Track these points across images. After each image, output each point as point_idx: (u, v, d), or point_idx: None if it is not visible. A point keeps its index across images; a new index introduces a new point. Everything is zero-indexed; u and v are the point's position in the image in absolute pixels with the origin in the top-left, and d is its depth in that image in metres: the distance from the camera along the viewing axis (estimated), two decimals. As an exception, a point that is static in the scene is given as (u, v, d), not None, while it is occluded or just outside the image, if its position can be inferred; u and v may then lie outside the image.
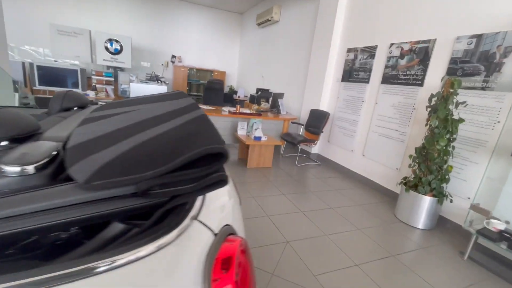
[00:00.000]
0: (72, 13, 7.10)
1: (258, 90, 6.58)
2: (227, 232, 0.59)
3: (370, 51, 3.67)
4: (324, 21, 4.42)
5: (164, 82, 7.83)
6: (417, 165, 2.65)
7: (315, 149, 4.67)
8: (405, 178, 2.80)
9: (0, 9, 2.95)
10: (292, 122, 4.87)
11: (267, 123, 4.56)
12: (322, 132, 4.22)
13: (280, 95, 5.28)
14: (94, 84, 6.77)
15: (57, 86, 5.92)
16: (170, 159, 0.54)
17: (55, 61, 6.86)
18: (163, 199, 0.55)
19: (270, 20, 6.48)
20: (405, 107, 3.16)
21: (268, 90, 6.20)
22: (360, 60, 3.86)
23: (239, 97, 7.89)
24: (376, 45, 3.58)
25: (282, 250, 1.99)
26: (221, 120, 4.27)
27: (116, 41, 6.81)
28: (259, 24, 7.14)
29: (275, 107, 5.07)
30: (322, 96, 4.51)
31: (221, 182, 0.59)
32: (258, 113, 4.34)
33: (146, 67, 8.16)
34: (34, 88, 5.89)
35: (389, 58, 3.38)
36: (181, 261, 0.47)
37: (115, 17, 7.51)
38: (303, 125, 4.59)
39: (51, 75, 5.93)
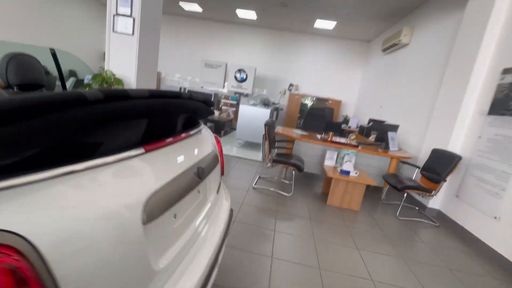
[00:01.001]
0: (216, 50, 9.00)
1: (370, 120, 5.74)
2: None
3: (546, 70, 2.37)
4: (468, 36, 3.33)
5: (275, 107, 8.30)
6: None
7: (434, 202, 3.42)
8: None
9: (156, 49, 4.10)
10: (402, 162, 3.83)
11: (366, 157, 3.81)
12: (445, 181, 3.03)
13: (393, 127, 4.33)
14: (221, 106, 8.13)
15: (197, 105, 7.47)
16: None
17: (201, 87, 8.78)
18: None
19: (397, 44, 5.64)
20: None
21: (382, 121, 5.27)
22: (524, 84, 2.57)
23: (349, 127, 7.20)
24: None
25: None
26: (310, 147, 3.94)
27: (243, 71, 7.95)
28: (384, 50, 6.37)
29: (383, 141, 4.19)
30: (453, 133, 3.31)
31: None
32: (355, 145, 3.70)
33: (264, 93, 9.00)
34: (184, 106, 7.67)
35: None
36: None
37: (246, 50, 8.87)
38: (418, 167, 3.50)
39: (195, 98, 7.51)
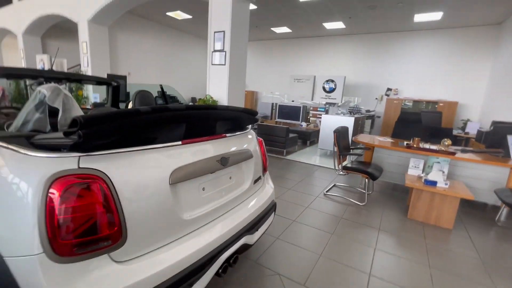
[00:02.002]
0: (305, 65, 9.34)
1: (493, 123, 4.54)
2: None
3: None
4: None
5: (370, 115, 7.76)
6: None
7: None
8: None
9: (243, 74, 4.88)
10: (531, 174, 2.90)
11: (475, 168, 3.12)
12: None
13: (519, 130, 3.34)
14: (309, 117, 8.33)
15: (287, 119, 8.05)
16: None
17: (292, 101, 9.33)
18: None
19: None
20: None
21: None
22: None
23: (467, 133, 5.86)
24: None
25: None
26: (395, 156, 3.59)
27: (332, 81, 7.92)
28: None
29: (501, 147, 3.29)
30: None
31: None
32: (450, 152, 3.12)
33: (355, 101, 8.54)
34: (276, 120, 8.41)
35: None
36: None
37: (334, 60, 8.76)
38: (557, 182, 2.59)
39: (285, 111, 8.13)
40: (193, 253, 1.13)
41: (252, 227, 1.53)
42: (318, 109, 8.31)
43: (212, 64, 4.61)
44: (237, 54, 4.55)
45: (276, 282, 1.74)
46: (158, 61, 9.83)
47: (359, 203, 3.21)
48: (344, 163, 3.41)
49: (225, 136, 1.50)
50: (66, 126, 1.45)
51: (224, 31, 4.36)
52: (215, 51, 4.52)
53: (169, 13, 8.13)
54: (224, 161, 1.36)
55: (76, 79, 2.50)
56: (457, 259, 2.16)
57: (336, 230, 2.51)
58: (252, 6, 6.50)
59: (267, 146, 5.70)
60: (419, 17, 6.54)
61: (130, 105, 2.49)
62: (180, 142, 1.20)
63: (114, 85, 2.65)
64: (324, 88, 8.07)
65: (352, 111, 6.66)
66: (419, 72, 7.63)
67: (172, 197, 1.10)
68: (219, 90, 4.62)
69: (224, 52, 4.41)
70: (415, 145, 3.33)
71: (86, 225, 0.87)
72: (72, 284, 0.83)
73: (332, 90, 7.97)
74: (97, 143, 0.92)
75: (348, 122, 5.33)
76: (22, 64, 8.81)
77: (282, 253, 2.08)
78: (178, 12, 7.88)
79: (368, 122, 7.92)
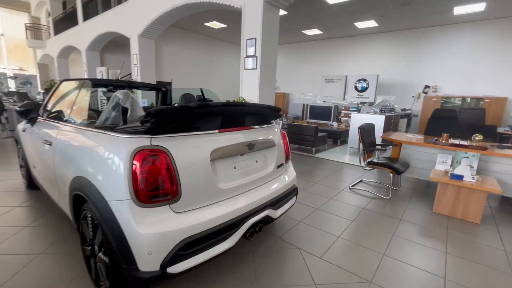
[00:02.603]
0: (336, 65, 9.33)
1: (543, 119, 4.21)
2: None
3: None
4: None
5: (406, 113, 7.55)
6: None
7: None
8: None
9: (273, 77, 5.21)
10: None
11: (507, 163, 3.04)
12: None
13: None
14: (340, 117, 8.33)
15: (318, 119, 8.20)
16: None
17: (323, 101, 9.41)
18: None
19: None
20: None
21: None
22: None
23: (514, 131, 5.45)
24: None
25: None
26: (424, 152, 3.60)
27: (364, 80, 7.85)
28: None
29: (542, 143, 3.13)
30: None
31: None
32: (482, 147, 3.07)
33: (386, 100, 8.31)
34: (307, 120, 8.60)
35: None
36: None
37: (366, 59, 8.62)
38: None
39: (316, 111, 8.30)
40: (226, 214, 1.49)
41: (274, 203, 1.85)
42: (350, 109, 8.28)
43: (244, 69, 5.03)
44: (267, 58, 4.91)
45: (296, 254, 2.03)
46: (196, 68, 10.68)
47: (384, 197, 3.32)
48: (370, 159, 3.54)
49: (253, 128, 1.85)
50: (133, 121, 1.94)
51: (255, 38, 4.75)
52: (247, 56, 4.93)
53: (206, 24, 8.84)
54: (251, 146, 1.71)
55: (134, 86, 3.08)
56: (478, 248, 2.22)
57: (356, 218, 2.70)
58: (283, 12, 6.83)
59: (296, 145, 5.95)
60: (459, 10, 6.23)
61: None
62: (217, 131, 1.58)
63: (163, 90, 3.18)
64: (356, 88, 8.03)
65: (384, 110, 6.57)
66: (461, 67, 7.20)
67: (212, 170, 1.48)
68: (251, 92, 5.02)
69: (256, 57, 4.80)
70: (443, 141, 3.33)
71: (155, 183, 1.27)
72: (146, 220, 1.25)
73: (364, 89, 7.90)
74: (162, 129, 1.33)
75: (378, 120, 5.33)
76: (85, 76, 10.26)
77: (304, 233, 2.35)
78: (214, 22, 8.54)
79: (403, 121, 7.69)
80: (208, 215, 1.42)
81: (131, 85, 2.92)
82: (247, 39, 4.89)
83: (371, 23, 7.54)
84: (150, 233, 1.23)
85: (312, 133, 5.61)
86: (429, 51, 7.60)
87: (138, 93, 7.43)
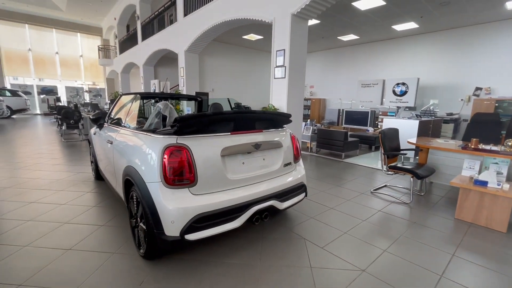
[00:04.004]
0: (373, 69, 9.08)
1: None
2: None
3: None
4: None
5: (453, 118, 7.05)
6: None
7: None
8: None
9: (302, 85, 5.46)
10: None
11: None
12: None
13: None
14: (377, 122, 8.08)
15: (355, 124, 8.14)
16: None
17: (361, 106, 9.23)
18: None
19: None
20: None
21: None
22: None
23: None
24: None
25: None
26: (448, 156, 3.49)
27: (403, 84, 7.54)
28: None
29: None
30: None
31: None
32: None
33: (434, 104, 7.78)
34: (343, 126, 8.60)
35: None
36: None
37: (406, 62, 8.22)
38: None
39: (352, 117, 8.27)
40: (233, 199, 1.86)
41: (279, 196, 2.16)
42: (388, 114, 7.99)
43: (274, 78, 5.41)
44: (295, 67, 5.21)
45: (300, 243, 2.29)
46: (234, 77, 11.45)
47: (404, 201, 3.32)
48: (394, 164, 3.56)
49: (261, 131, 2.20)
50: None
51: (284, 49, 5.11)
52: (277, 66, 5.31)
53: (244, 36, 9.50)
54: (257, 146, 2.06)
55: (175, 97, 3.69)
56: (489, 253, 2.18)
57: (369, 219, 2.82)
58: (315, 21, 7.06)
59: (325, 149, 6.07)
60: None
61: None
62: (229, 133, 1.98)
63: (199, 100, 3.74)
64: (394, 92, 7.75)
65: (422, 114, 6.25)
66: (520, 66, 6.46)
67: (222, 164, 1.88)
68: (280, 100, 5.37)
69: (284, 67, 5.15)
70: (472, 146, 3.20)
71: (179, 171, 1.72)
72: (171, 198, 1.69)
73: (403, 93, 7.58)
74: (185, 131, 1.78)
75: (411, 125, 5.16)
76: (142, 88, 11.80)
77: (312, 227, 2.59)
78: (252, 34, 9.15)
79: (448, 126, 7.16)
80: (218, 198, 1.81)
81: (172, 97, 3.53)
82: (276, 51, 5.28)
83: (411, 25, 7.27)
84: (173, 207, 1.67)
85: (342, 138, 5.67)
86: (480, 50, 6.99)
87: (184, 103, 8.38)
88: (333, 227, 2.61)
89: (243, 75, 11.79)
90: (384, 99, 8.20)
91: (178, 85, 9.44)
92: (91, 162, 4.03)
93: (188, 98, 3.69)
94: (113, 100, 10.27)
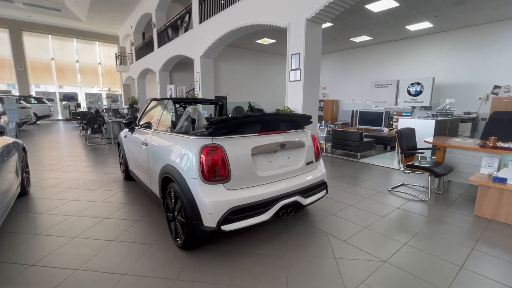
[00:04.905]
0: (386, 70, 9.06)
1: None
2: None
3: None
4: None
5: (470, 117, 6.98)
6: None
7: None
8: None
9: (317, 87, 5.59)
10: None
11: None
12: None
13: None
14: (392, 122, 8.08)
15: (369, 125, 8.18)
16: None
17: (375, 107, 9.23)
18: None
19: None
20: None
21: None
22: None
23: None
24: None
25: None
26: (466, 155, 3.53)
27: (418, 83, 7.52)
28: None
29: None
30: None
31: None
32: (535, 150, 2.92)
33: (450, 103, 7.71)
34: (357, 127, 8.64)
35: None
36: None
37: (420, 62, 8.17)
38: None
39: (366, 117, 8.31)
40: (263, 194, 2.04)
41: (303, 192, 2.32)
42: (403, 114, 7.98)
43: (289, 81, 5.57)
44: (310, 70, 5.35)
45: (323, 236, 2.43)
46: (248, 80, 11.67)
47: (422, 199, 3.39)
48: (411, 163, 3.63)
49: (285, 132, 2.37)
50: (200, 128, 2.66)
51: (299, 53, 5.27)
52: (292, 70, 5.47)
53: (257, 41, 9.72)
54: (282, 146, 2.23)
55: (199, 102, 3.92)
56: (510, 248, 2.24)
57: (388, 215, 2.92)
58: (328, 24, 7.18)
59: (341, 150, 6.16)
60: (531, 1, 5.62)
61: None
62: (257, 134, 2.16)
63: (220, 104, 3.95)
64: (409, 92, 7.74)
65: (439, 114, 6.23)
66: (540, 63, 6.34)
67: (252, 162, 2.06)
68: (295, 102, 5.51)
69: (299, 70, 5.30)
70: (491, 144, 3.24)
71: (214, 168, 1.91)
72: (208, 192, 1.88)
73: (418, 93, 7.55)
74: (219, 132, 1.97)
75: (428, 125, 5.19)
76: (158, 92, 12.21)
77: (333, 222, 2.72)
78: (265, 39, 9.36)
79: (466, 125, 7.08)
80: (249, 193, 1.99)
81: (197, 101, 3.76)
82: (291, 54, 5.44)
83: (425, 25, 7.26)
84: (210, 201, 1.86)
85: (357, 139, 5.75)
86: (497, 48, 6.89)
87: (200, 106, 8.68)
88: (353, 222, 2.73)
89: (256, 78, 12.01)
90: (398, 99, 8.19)
91: (193, 89, 9.76)
92: (120, 163, 4.31)
93: (210, 102, 3.91)
94: (131, 105, 10.71)
